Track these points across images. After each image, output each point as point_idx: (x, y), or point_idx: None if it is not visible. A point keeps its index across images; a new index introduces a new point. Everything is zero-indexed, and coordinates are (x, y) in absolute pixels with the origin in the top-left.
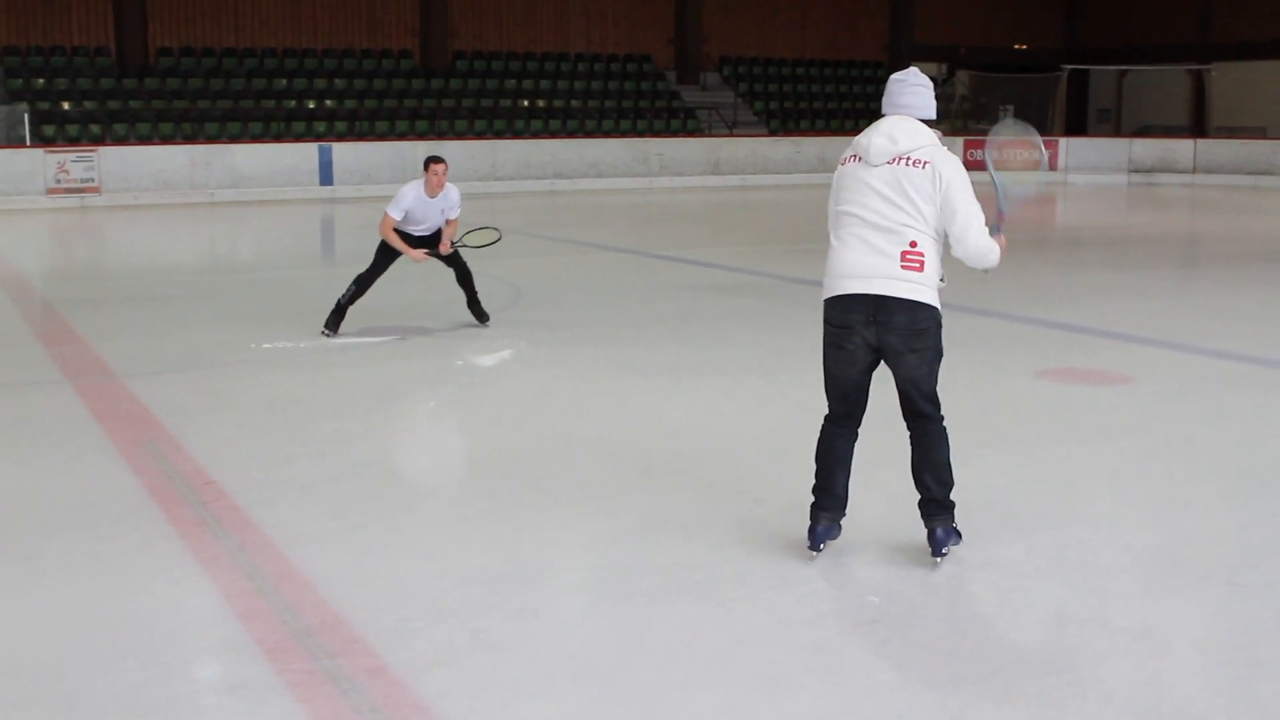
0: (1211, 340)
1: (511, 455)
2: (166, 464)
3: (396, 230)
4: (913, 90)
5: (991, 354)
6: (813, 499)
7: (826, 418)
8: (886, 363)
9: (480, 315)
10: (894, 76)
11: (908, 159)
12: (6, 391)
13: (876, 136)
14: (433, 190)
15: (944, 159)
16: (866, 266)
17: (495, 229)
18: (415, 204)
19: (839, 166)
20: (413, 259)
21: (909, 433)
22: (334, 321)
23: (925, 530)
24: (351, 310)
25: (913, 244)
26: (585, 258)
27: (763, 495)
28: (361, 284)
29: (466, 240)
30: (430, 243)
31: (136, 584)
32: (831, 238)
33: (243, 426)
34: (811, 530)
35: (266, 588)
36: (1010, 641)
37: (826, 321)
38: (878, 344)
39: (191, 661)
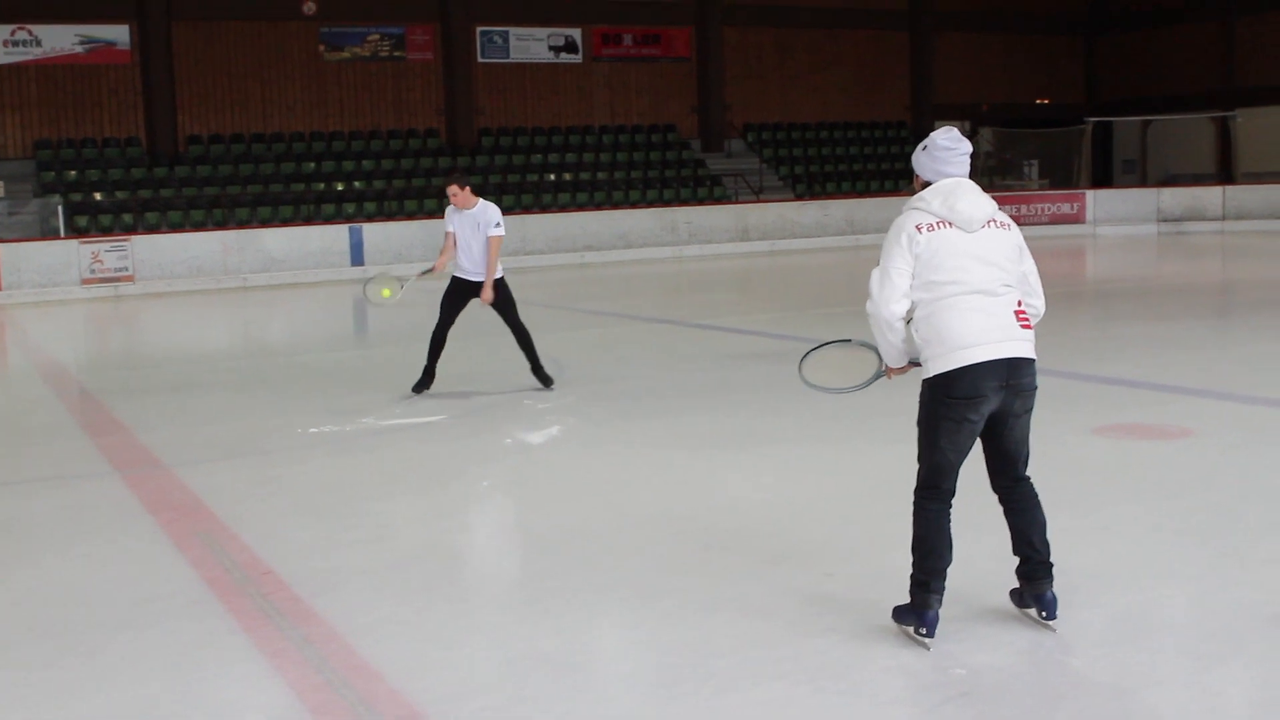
0: (1267, 389)
1: (569, 533)
2: (223, 555)
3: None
4: (967, 157)
5: (1044, 413)
6: (921, 583)
7: (933, 497)
8: (995, 429)
9: (544, 380)
10: (944, 143)
11: (995, 222)
12: (57, 484)
13: (964, 202)
14: (462, 206)
15: (1009, 220)
16: (993, 331)
17: (398, 279)
18: (452, 220)
19: (918, 233)
20: (436, 268)
21: (1008, 500)
22: (423, 383)
23: (1031, 595)
24: (399, 387)
25: (1019, 302)
26: (621, 329)
27: (832, 568)
28: (435, 339)
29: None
30: (474, 288)
31: (205, 681)
32: (928, 309)
33: (296, 513)
34: (926, 617)
35: (337, 680)
36: (1105, 712)
37: (949, 396)
38: (999, 409)
39: None
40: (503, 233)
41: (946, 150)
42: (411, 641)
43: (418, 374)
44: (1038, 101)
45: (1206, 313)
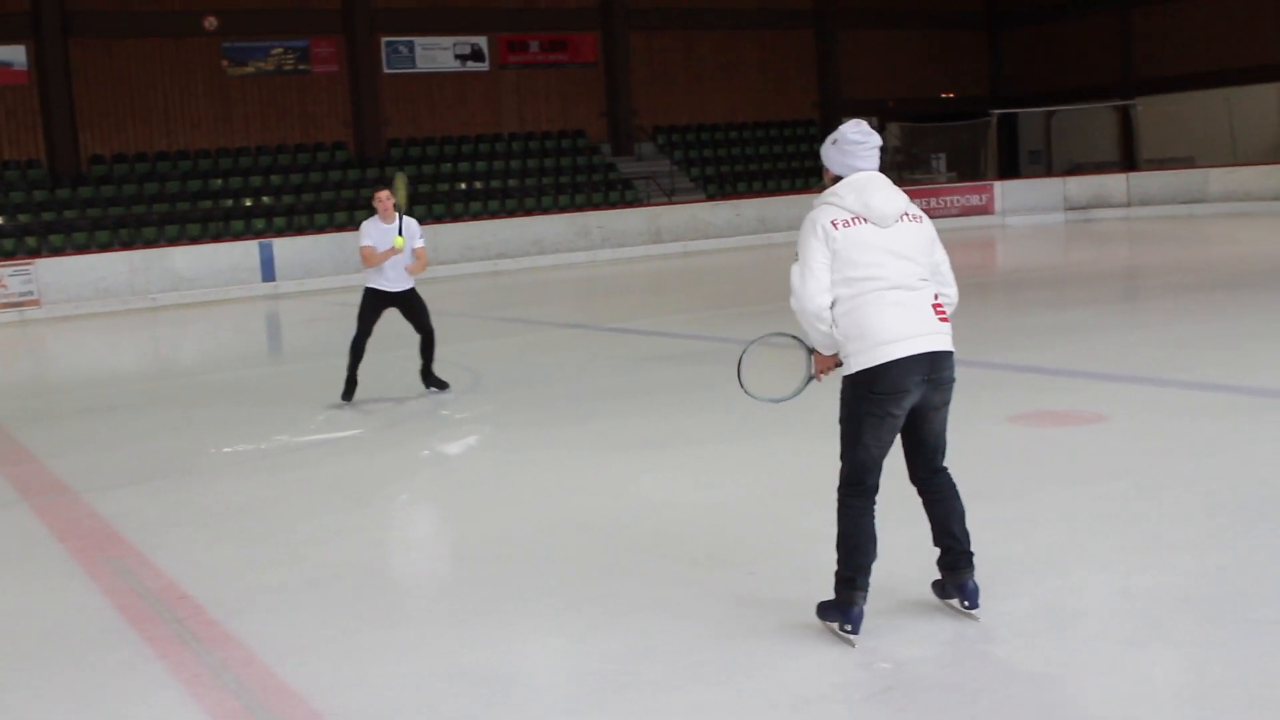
0: (1179, 371)
1: (493, 544)
2: (136, 581)
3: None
4: (876, 151)
5: (958, 403)
6: (846, 579)
7: (856, 493)
8: (915, 422)
9: (436, 383)
10: (854, 136)
11: (909, 215)
12: None
13: (877, 197)
14: (385, 218)
15: (920, 213)
16: (914, 326)
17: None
18: (375, 232)
19: (833, 229)
20: (377, 259)
21: (927, 491)
22: (348, 392)
23: (953, 586)
24: (315, 403)
25: (936, 295)
26: (537, 336)
27: (754, 566)
28: (355, 349)
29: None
30: (401, 298)
31: (118, 713)
32: (847, 305)
33: (211, 536)
34: (851, 613)
35: (255, 704)
36: (1029, 702)
37: (872, 391)
38: (919, 403)
39: None
40: (425, 244)
41: (856, 144)
42: (331, 661)
43: (332, 389)
44: (943, 96)
45: (1116, 298)
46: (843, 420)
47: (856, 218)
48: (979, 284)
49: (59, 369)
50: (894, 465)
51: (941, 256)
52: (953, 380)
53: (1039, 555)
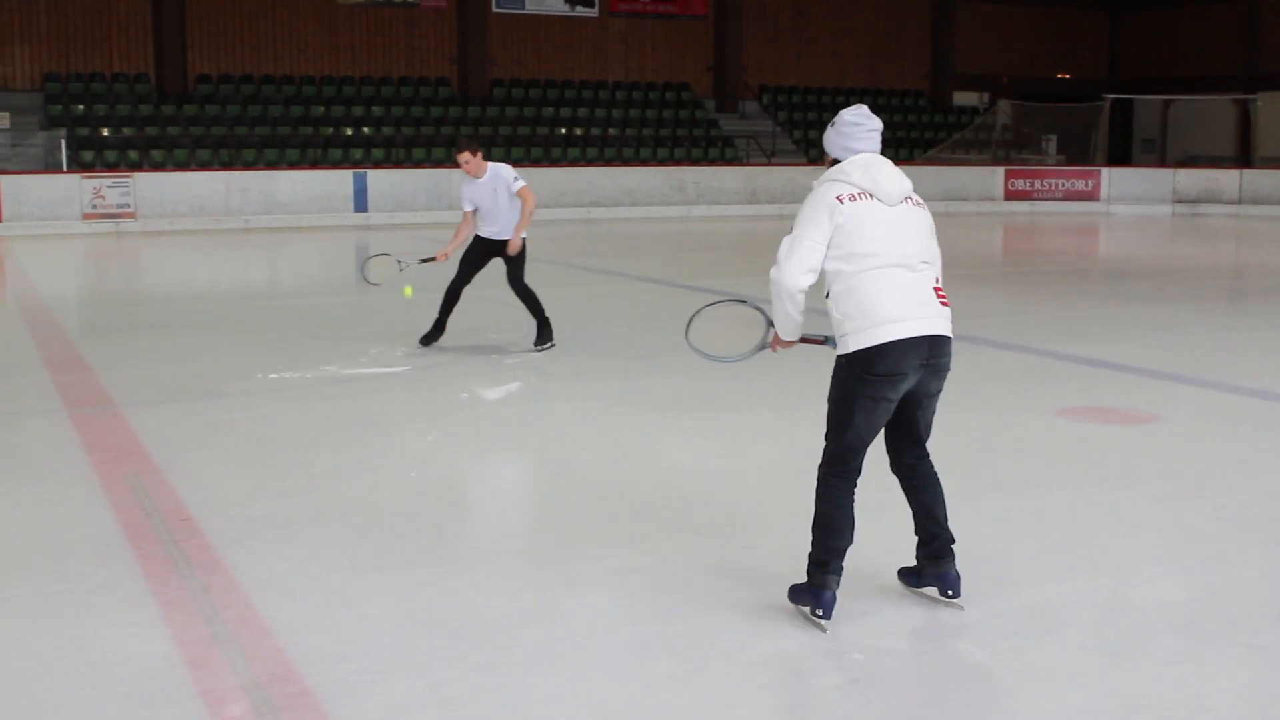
0: (1247, 378)
1: (498, 494)
2: (147, 499)
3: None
4: (876, 134)
5: (1012, 391)
6: (820, 562)
7: (840, 474)
8: (906, 408)
9: (543, 336)
10: (851, 119)
11: (912, 199)
12: (3, 420)
13: (884, 175)
14: (475, 174)
15: (921, 200)
16: (916, 307)
17: (397, 261)
18: (470, 191)
19: (839, 204)
20: (441, 254)
21: (911, 478)
22: (431, 335)
23: (934, 575)
24: (374, 337)
25: (937, 279)
26: (612, 287)
27: (754, 540)
28: (450, 294)
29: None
30: (504, 249)
31: (90, 629)
32: (849, 282)
33: (231, 460)
34: (823, 597)
35: (222, 634)
36: (994, 708)
37: (868, 372)
38: (914, 388)
39: (128, 716)
40: (526, 182)
41: (854, 125)
42: (309, 598)
43: (397, 324)
44: (1058, 76)
45: (1207, 297)
46: (834, 400)
47: (863, 193)
48: (1073, 271)
49: (140, 283)
50: (873, 450)
51: (937, 251)
52: (949, 368)
53: (1045, 556)
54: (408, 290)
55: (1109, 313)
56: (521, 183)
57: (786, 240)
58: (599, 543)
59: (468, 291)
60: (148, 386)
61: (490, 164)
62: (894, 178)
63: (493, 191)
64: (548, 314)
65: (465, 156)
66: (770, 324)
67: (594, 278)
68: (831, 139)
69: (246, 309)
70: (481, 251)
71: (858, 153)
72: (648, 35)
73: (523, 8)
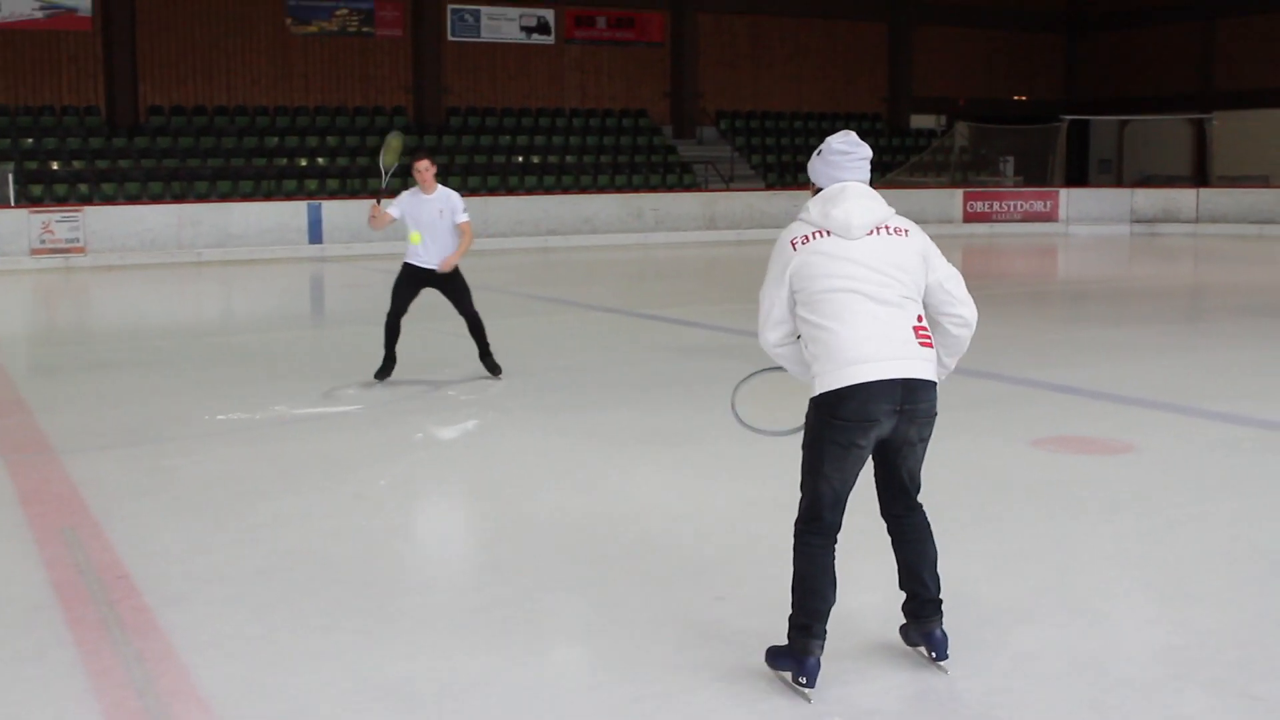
0: (1217, 401)
1: (455, 543)
2: (82, 555)
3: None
4: (865, 162)
5: (984, 420)
6: (802, 626)
7: (814, 531)
8: (886, 457)
9: (492, 368)
10: (839, 147)
11: (888, 228)
12: None
13: (842, 207)
14: (425, 189)
15: (909, 225)
16: (887, 347)
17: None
18: (411, 204)
19: (792, 250)
20: (372, 225)
21: (897, 530)
22: (384, 370)
23: (919, 634)
24: (327, 373)
25: (920, 318)
26: (570, 318)
27: (725, 590)
28: (390, 327)
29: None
30: (440, 278)
31: (13, 704)
32: (816, 320)
33: (173, 510)
34: (807, 664)
35: (155, 709)
36: None
37: (835, 417)
38: (890, 436)
39: None
40: (469, 218)
41: (841, 155)
42: (252, 664)
43: (353, 359)
44: (1015, 98)
45: (1172, 318)
46: (804, 447)
47: (819, 231)
48: (1032, 293)
49: (88, 320)
50: (858, 489)
51: (947, 273)
52: (933, 414)
53: (1033, 600)
54: (414, 236)
55: (1074, 336)
56: (468, 216)
57: (760, 293)
58: (559, 595)
59: (421, 326)
60: (90, 431)
61: (439, 185)
62: (858, 210)
63: (438, 214)
64: (490, 346)
65: (426, 164)
66: None
67: (552, 308)
68: (817, 168)
69: (196, 346)
70: (414, 280)
71: (841, 181)
72: (604, 62)
73: (478, 36)
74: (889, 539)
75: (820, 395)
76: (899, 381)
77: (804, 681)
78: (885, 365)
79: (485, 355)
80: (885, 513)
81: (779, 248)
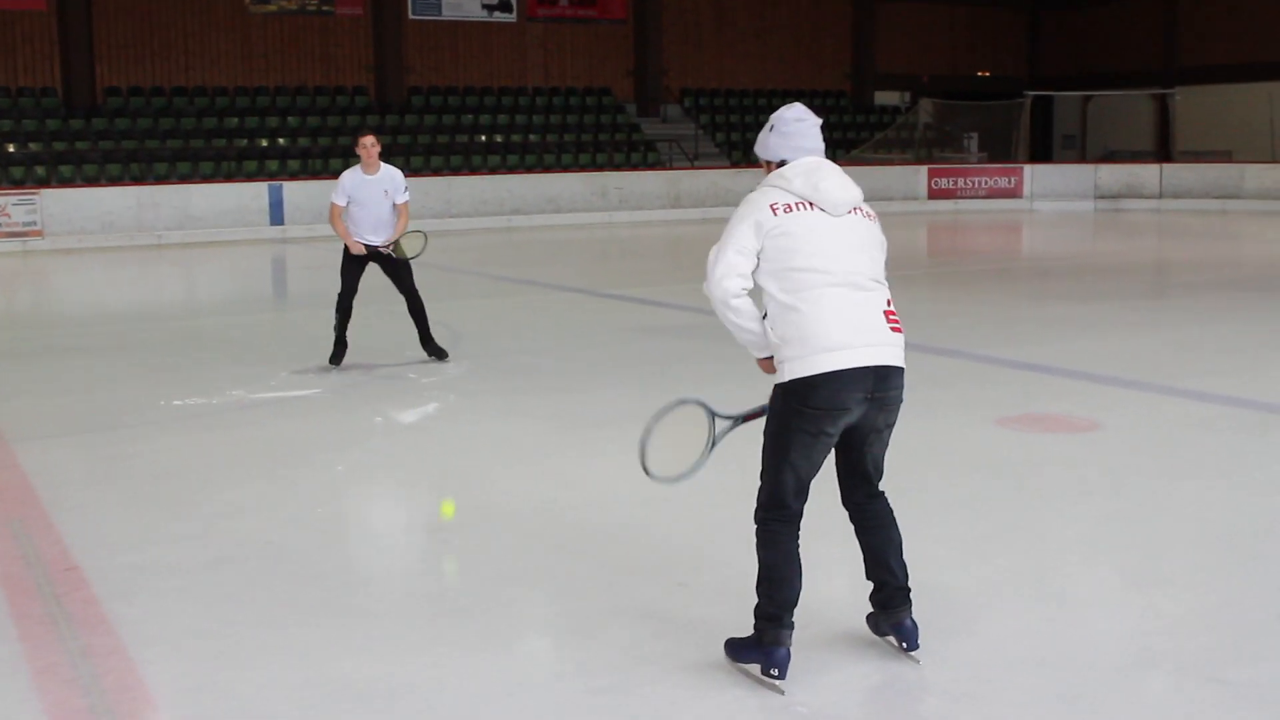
0: (1184, 379)
1: (413, 531)
2: (30, 547)
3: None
4: (819, 130)
5: (949, 398)
6: (771, 616)
7: (781, 518)
8: (852, 444)
9: (435, 352)
10: (794, 116)
11: (861, 210)
12: None
13: (829, 181)
14: (368, 167)
15: (873, 211)
16: (862, 333)
17: (422, 232)
18: (354, 185)
19: (772, 214)
20: (351, 250)
21: (861, 518)
22: (337, 355)
23: (888, 625)
24: (287, 356)
25: (889, 301)
26: (535, 298)
27: (687, 577)
28: (342, 308)
29: (400, 250)
30: (381, 255)
31: None
32: (787, 300)
33: (125, 500)
34: (776, 655)
35: (100, 707)
36: None
37: (805, 404)
38: (858, 423)
39: None
40: (409, 198)
41: (798, 123)
42: (202, 659)
43: (312, 342)
44: (978, 74)
45: (1136, 294)
46: (768, 434)
47: (802, 202)
48: (997, 270)
49: (45, 305)
50: (822, 478)
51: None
52: (900, 401)
53: (1002, 584)
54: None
55: (1039, 313)
56: (408, 196)
57: (713, 251)
58: (519, 586)
59: (382, 308)
60: (42, 418)
61: (384, 164)
62: (841, 185)
63: (382, 194)
64: (431, 329)
65: (372, 140)
66: (713, 416)
67: (515, 288)
68: (773, 142)
69: (155, 330)
70: (357, 258)
71: (807, 151)
72: (567, 40)
73: (439, 14)
74: (851, 528)
75: (790, 382)
76: (871, 370)
77: (775, 674)
78: (859, 353)
79: (426, 340)
80: (847, 500)
81: (753, 207)
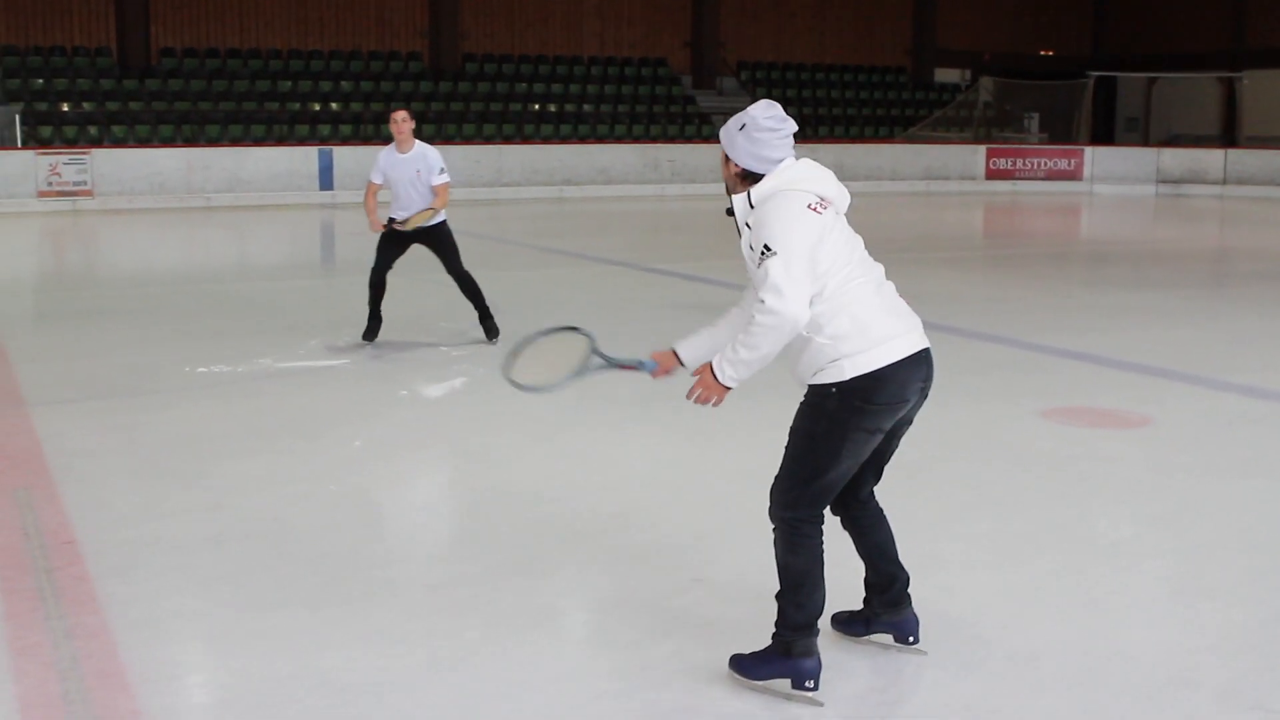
0: (1239, 373)
1: (427, 514)
2: (31, 518)
3: (391, 219)
4: (791, 139)
5: (991, 386)
6: (801, 626)
7: (813, 518)
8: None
9: (490, 330)
10: (769, 124)
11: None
12: None
13: (835, 185)
14: (401, 145)
15: None
16: (903, 319)
17: (432, 208)
18: (388, 164)
19: (812, 214)
20: (371, 228)
21: (861, 519)
22: (371, 330)
23: (890, 623)
24: (322, 325)
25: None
26: (579, 271)
27: (704, 572)
28: (373, 283)
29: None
30: (426, 234)
31: None
32: (835, 301)
33: (134, 470)
34: (808, 666)
35: (75, 692)
36: None
37: (870, 402)
38: (902, 417)
39: None
40: (449, 179)
41: (771, 131)
42: (187, 644)
43: (350, 310)
44: (1041, 53)
45: (1195, 283)
46: (817, 435)
47: (822, 201)
48: (1054, 254)
49: (90, 265)
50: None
51: None
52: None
53: (1032, 591)
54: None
55: (1093, 300)
56: (446, 177)
57: (775, 264)
58: (528, 573)
59: (419, 277)
60: (64, 382)
61: (418, 142)
62: (841, 186)
63: (415, 173)
64: (489, 308)
65: (404, 115)
66: (593, 350)
67: (558, 259)
68: (741, 146)
69: (193, 294)
70: (396, 236)
71: (775, 162)
72: (624, 9)
73: None
74: (845, 533)
75: (851, 380)
76: (924, 356)
77: (811, 686)
78: (910, 339)
79: (484, 318)
80: (848, 499)
81: (796, 211)
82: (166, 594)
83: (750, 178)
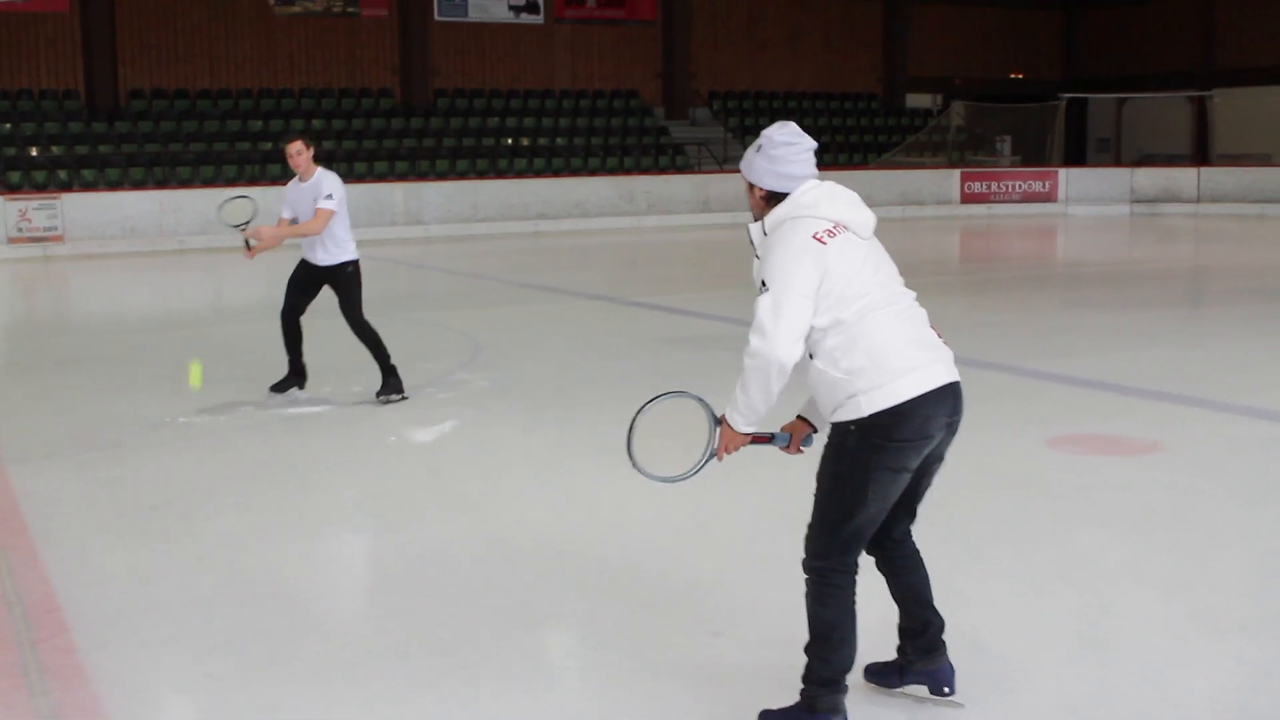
0: (1243, 394)
1: (428, 567)
2: (11, 585)
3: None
4: (812, 155)
5: (995, 416)
6: (829, 682)
7: (845, 567)
8: (914, 477)
9: (391, 387)
10: (783, 139)
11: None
12: None
13: (855, 205)
14: (303, 176)
15: None
16: (927, 350)
17: (249, 198)
18: (292, 195)
19: (820, 245)
20: (246, 255)
21: (897, 560)
22: (287, 383)
23: (924, 672)
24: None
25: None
26: (559, 307)
27: (722, 625)
28: (284, 327)
29: (224, 215)
30: (326, 273)
31: None
32: (851, 331)
33: (118, 529)
34: None
35: None
36: None
37: (892, 439)
38: (931, 451)
39: None
40: (334, 206)
41: (789, 146)
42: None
43: (332, 354)
44: (1012, 76)
45: (1180, 302)
46: (839, 476)
47: (838, 226)
48: (1034, 277)
49: (62, 312)
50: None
51: None
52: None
53: (1061, 627)
54: (195, 376)
55: (1080, 322)
56: (331, 204)
57: (765, 301)
58: (533, 630)
59: (399, 317)
60: (41, 437)
61: (320, 168)
62: (863, 208)
63: (312, 201)
64: (393, 360)
65: (299, 146)
66: (716, 420)
67: (539, 295)
68: (760, 166)
69: (171, 340)
70: (304, 278)
71: (799, 179)
72: (595, 42)
73: (466, 16)
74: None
75: (871, 416)
76: (949, 389)
77: None
78: (934, 370)
79: (386, 374)
80: (885, 539)
81: (799, 243)
82: (159, 664)
83: (774, 199)
